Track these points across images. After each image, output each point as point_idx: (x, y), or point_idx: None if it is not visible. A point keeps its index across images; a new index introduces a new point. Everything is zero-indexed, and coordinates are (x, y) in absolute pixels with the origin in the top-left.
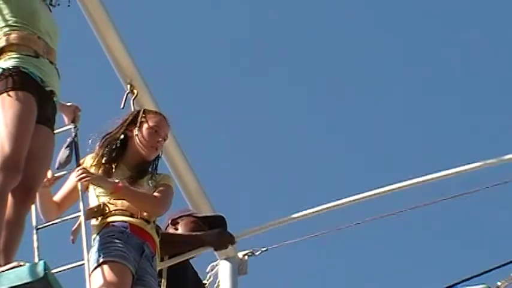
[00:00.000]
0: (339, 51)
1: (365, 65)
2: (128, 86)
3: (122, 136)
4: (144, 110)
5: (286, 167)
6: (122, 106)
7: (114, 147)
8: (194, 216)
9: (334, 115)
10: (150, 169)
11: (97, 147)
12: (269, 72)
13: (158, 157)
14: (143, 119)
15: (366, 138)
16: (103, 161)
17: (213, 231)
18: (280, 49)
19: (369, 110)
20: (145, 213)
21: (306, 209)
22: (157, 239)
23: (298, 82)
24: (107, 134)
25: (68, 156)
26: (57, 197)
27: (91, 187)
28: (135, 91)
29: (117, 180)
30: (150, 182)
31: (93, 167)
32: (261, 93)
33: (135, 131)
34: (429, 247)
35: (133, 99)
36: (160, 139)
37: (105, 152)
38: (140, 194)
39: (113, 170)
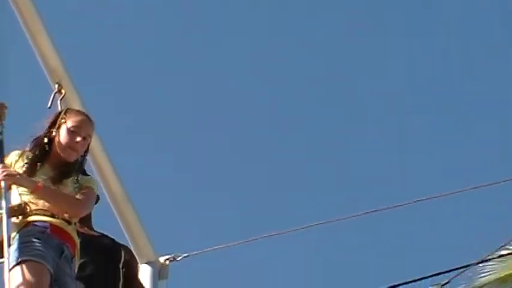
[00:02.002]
0: None
1: None
2: (56, 86)
3: (46, 139)
4: (66, 110)
5: (213, 173)
6: (48, 106)
7: (38, 149)
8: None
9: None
10: (75, 170)
11: (25, 148)
12: (197, 72)
13: (84, 158)
14: (63, 120)
15: None
16: (27, 161)
17: None
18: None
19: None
20: (65, 214)
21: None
22: (77, 241)
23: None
24: (36, 137)
25: None
26: None
27: (14, 185)
28: (63, 91)
29: (38, 180)
30: (74, 184)
31: (18, 165)
32: (190, 93)
33: (55, 132)
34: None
35: (61, 99)
36: (78, 139)
37: (30, 152)
38: (60, 194)
39: (37, 169)
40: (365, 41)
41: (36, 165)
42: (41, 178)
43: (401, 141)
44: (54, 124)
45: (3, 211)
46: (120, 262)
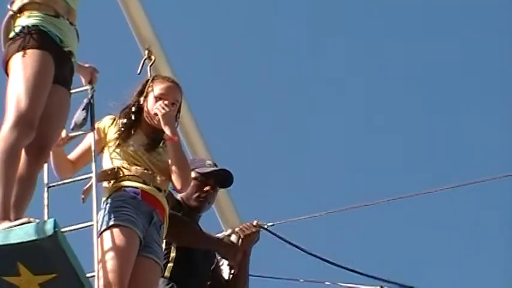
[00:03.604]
0: None
1: None
2: (146, 52)
3: (134, 108)
4: (153, 78)
5: (302, 134)
6: (138, 72)
7: (129, 120)
8: (197, 172)
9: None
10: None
11: (117, 116)
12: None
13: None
14: (150, 88)
15: None
16: (121, 126)
17: (231, 246)
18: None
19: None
20: (161, 179)
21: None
22: (167, 207)
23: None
24: (125, 107)
25: (84, 118)
26: (72, 156)
27: (106, 149)
28: (153, 57)
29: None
30: (165, 151)
31: (111, 130)
32: (278, 66)
33: (143, 101)
34: None
35: (150, 66)
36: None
37: (122, 122)
38: (186, 158)
39: (131, 135)
40: None
41: (130, 131)
42: (135, 144)
43: None
44: (142, 93)
45: (93, 175)
46: (212, 265)
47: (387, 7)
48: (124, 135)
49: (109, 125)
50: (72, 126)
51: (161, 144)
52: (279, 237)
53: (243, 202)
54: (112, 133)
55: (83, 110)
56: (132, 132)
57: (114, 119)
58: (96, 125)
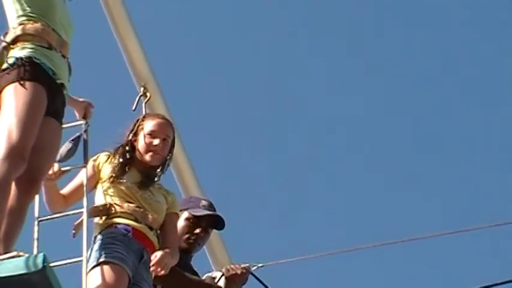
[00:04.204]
0: None
1: None
2: (142, 89)
3: (128, 147)
4: (144, 116)
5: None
6: (133, 108)
7: (124, 158)
8: (190, 213)
9: None
10: (160, 172)
11: (112, 153)
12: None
13: (168, 160)
14: (140, 127)
15: None
16: (115, 167)
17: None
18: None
19: None
20: (153, 217)
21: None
22: (157, 246)
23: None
24: (119, 146)
25: (69, 150)
26: (64, 191)
27: (99, 185)
28: (148, 94)
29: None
30: (160, 190)
31: (106, 167)
32: (275, 100)
33: (135, 140)
34: None
35: (145, 103)
36: (157, 142)
37: (117, 161)
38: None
39: (126, 172)
40: None
41: (125, 169)
42: (129, 181)
43: None
44: (134, 132)
45: (84, 210)
46: None
47: (386, 6)
48: (118, 173)
49: (104, 162)
50: (58, 158)
51: (154, 182)
52: (263, 284)
53: (234, 242)
54: (106, 170)
55: (71, 141)
56: (126, 169)
57: (109, 156)
58: (91, 161)
